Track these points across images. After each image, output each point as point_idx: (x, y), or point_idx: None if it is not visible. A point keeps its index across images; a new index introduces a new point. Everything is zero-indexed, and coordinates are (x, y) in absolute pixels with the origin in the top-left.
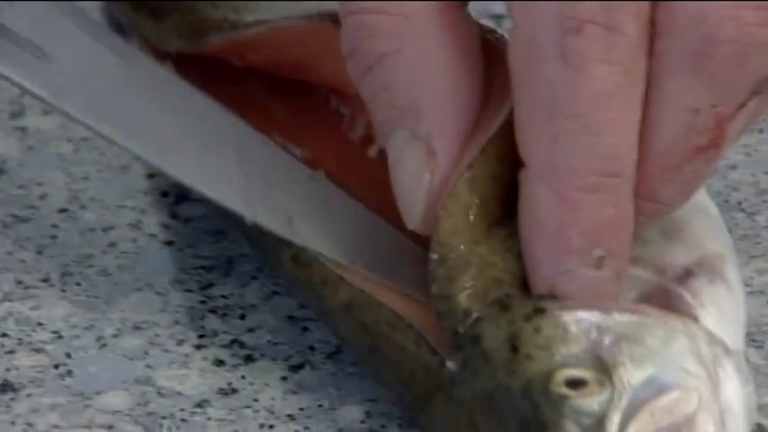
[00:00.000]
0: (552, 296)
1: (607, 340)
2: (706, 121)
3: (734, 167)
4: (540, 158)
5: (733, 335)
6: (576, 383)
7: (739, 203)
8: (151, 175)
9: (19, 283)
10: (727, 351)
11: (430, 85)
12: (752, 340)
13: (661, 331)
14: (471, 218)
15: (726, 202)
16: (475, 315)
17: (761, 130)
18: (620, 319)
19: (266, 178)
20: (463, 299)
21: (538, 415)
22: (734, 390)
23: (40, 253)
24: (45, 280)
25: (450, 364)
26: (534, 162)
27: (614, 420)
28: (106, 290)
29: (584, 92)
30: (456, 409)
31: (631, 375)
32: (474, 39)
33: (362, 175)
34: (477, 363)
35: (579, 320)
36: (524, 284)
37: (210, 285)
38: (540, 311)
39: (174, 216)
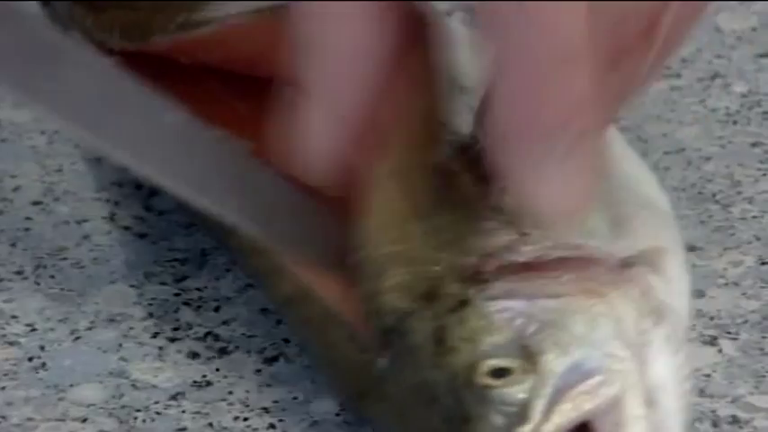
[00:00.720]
0: (479, 284)
1: (532, 328)
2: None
3: (708, 159)
4: (503, 47)
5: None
6: (500, 373)
7: (713, 195)
8: (125, 168)
9: None
10: (659, 319)
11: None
12: (726, 332)
13: (585, 317)
14: (394, 212)
15: (700, 193)
16: (402, 310)
17: (734, 122)
18: (544, 305)
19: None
20: (390, 295)
21: (462, 407)
22: (664, 365)
23: (13, 245)
24: (19, 273)
25: (380, 361)
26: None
27: (537, 408)
28: (80, 282)
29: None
30: (388, 406)
31: (555, 362)
32: (398, 17)
33: None
34: (405, 358)
35: (504, 309)
36: (452, 276)
37: (185, 278)
38: (464, 303)
39: (147, 209)
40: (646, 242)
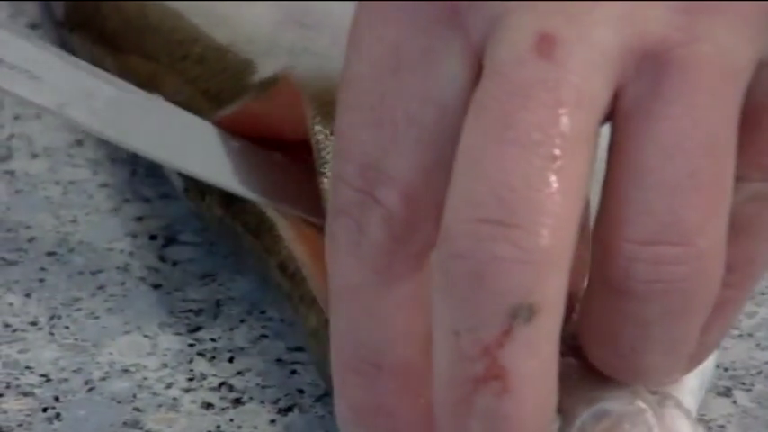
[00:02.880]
0: None
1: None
2: (469, 347)
3: None
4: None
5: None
6: None
7: None
8: (140, 219)
9: (7, 326)
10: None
11: None
12: (740, 383)
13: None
14: None
15: None
16: None
17: None
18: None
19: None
20: None
21: None
22: (681, 419)
23: (28, 296)
24: (33, 323)
25: None
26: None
27: None
28: (95, 333)
29: (336, 281)
30: None
31: (580, 407)
32: None
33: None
34: None
35: None
36: None
37: (199, 328)
38: None
39: (162, 259)
40: None
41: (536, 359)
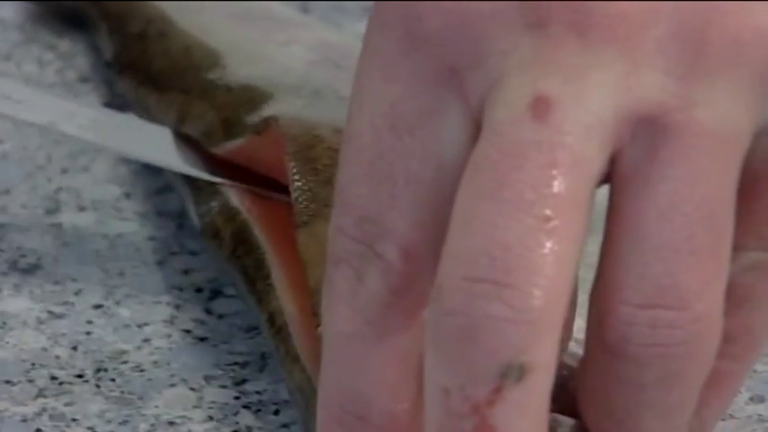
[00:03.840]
0: None
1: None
2: (459, 404)
3: None
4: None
5: None
6: None
7: None
8: (186, 272)
9: (53, 378)
10: None
11: None
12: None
13: None
14: None
15: None
16: None
17: None
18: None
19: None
20: None
21: None
22: None
23: (74, 349)
24: (80, 376)
25: None
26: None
27: None
28: (140, 386)
29: (329, 329)
30: None
31: None
32: None
33: None
34: None
35: None
36: None
37: (244, 381)
38: None
39: (208, 312)
40: None
41: (526, 419)
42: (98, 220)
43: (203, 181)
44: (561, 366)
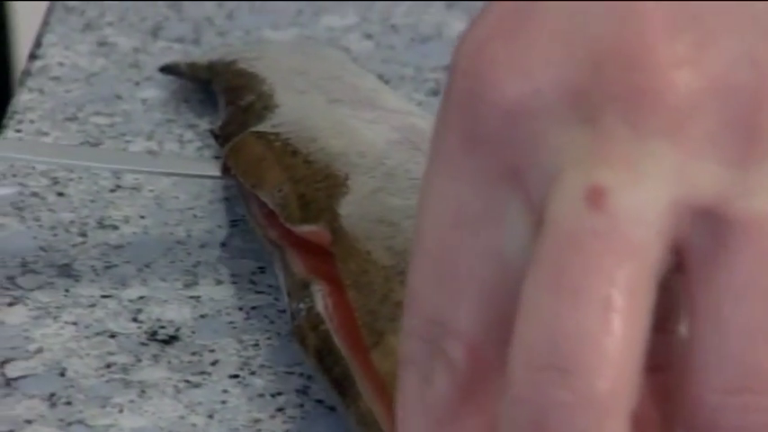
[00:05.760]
0: None
1: None
2: None
3: None
4: None
5: None
6: None
7: None
8: None
9: None
10: None
11: None
12: None
13: None
14: None
15: None
16: None
17: None
18: None
19: None
20: None
21: None
22: None
23: (210, 417)
24: None
25: None
26: None
27: None
28: None
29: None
30: None
31: None
32: None
33: None
34: None
35: None
36: None
37: None
38: None
39: None
40: None
41: None
42: (234, 293)
43: (297, 277)
44: None
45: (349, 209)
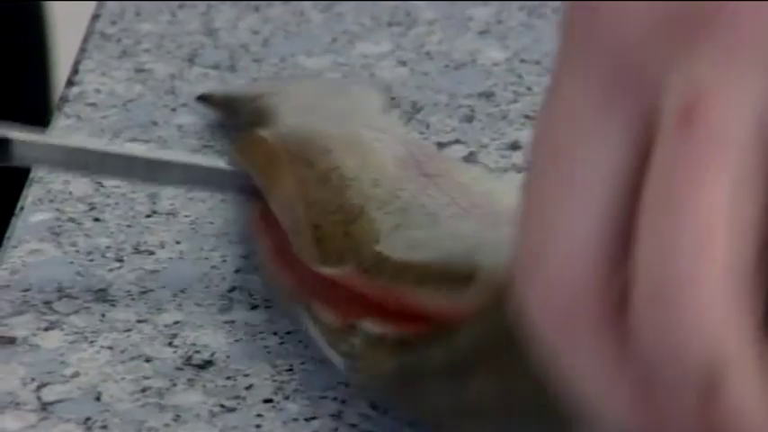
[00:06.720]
0: None
1: None
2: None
3: None
4: None
5: None
6: None
7: None
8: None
9: None
10: None
11: None
12: None
13: None
14: None
15: None
16: None
17: None
18: None
19: None
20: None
21: None
22: None
23: None
24: None
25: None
26: None
27: None
28: None
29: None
30: None
31: None
32: None
33: None
34: None
35: None
36: None
37: None
38: None
39: (374, 407)
40: None
41: None
42: (269, 318)
43: (333, 326)
44: None
45: (378, 247)
